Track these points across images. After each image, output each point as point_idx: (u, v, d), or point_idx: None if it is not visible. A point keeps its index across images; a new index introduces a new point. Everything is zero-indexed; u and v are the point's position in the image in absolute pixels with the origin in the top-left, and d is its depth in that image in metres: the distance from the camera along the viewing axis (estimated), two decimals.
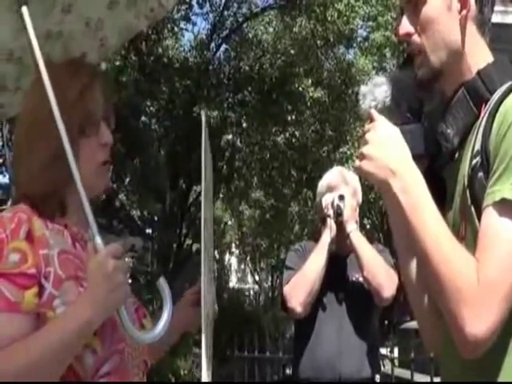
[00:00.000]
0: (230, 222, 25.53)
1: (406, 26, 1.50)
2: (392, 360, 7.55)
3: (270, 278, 29.61)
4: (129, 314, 1.60)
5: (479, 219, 1.34)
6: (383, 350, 8.55)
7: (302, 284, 3.18)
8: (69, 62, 1.79)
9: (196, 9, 14.67)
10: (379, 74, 14.63)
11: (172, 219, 13.92)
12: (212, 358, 1.85)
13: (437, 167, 1.53)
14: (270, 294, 26.79)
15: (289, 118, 14.17)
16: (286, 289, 3.25)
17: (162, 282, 1.65)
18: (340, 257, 3.33)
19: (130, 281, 1.66)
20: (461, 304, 1.29)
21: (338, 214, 3.25)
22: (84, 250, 1.64)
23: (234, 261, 32.90)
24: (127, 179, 14.32)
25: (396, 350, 9.72)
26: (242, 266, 33.56)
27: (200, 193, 1.62)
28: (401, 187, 1.41)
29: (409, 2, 1.50)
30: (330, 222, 3.27)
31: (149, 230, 15.81)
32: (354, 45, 15.96)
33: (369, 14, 15.88)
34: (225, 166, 14.04)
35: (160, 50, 13.69)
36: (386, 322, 15.21)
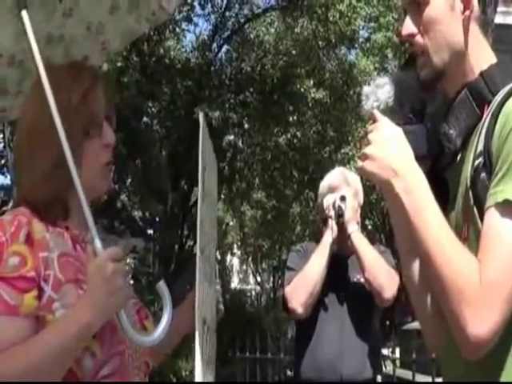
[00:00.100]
0: (231, 223, 25.53)
1: (408, 26, 1.51)
2: (393, 361, 7.52)
3: (271, 279, 29.59)
4: (129, 317, 1.60)
5: (482, 220, 1.34)
6: (385, 351, 8.53)
7: (303, 285, 3.18)
8: (70, 65, 1.79)
9: (198, 10, 14.69)
10: (381, 74, 14.63)
11: (173, 220, 13.92)
12: (215, 360, 1.85)
13: (439, 168, 1.53)
14: (272, 295, 26.77)
15: (290, 119, 14.16)
16: (287, 290, 3.25)
17: (162, 285, 1.64)
18: (341, 258, 3.33)
19: (131, 282, 1.66)
20: (463, 305, 1.29)
21: (340, 214, 3.25)
22: (84, 252, 1.64)
23: (235, 262, 32.89)
24: (129, 180, 14.35)
25: (397, 351, 9.69)
26: (244, 267, 33.56)
27: (204, 191, 1.61)
28: (403, 188, 1.41)
29: (412, 3, 1.50)
30: (332, 223, 3.27)
31: (150, 231, 15.83)
32: (356, 46, 15.93)
33: (370, 15, 15.89)
34: (226, 167, 14.04)
35: (162, 50, 13.69)
36: (388, 322, 15.19)
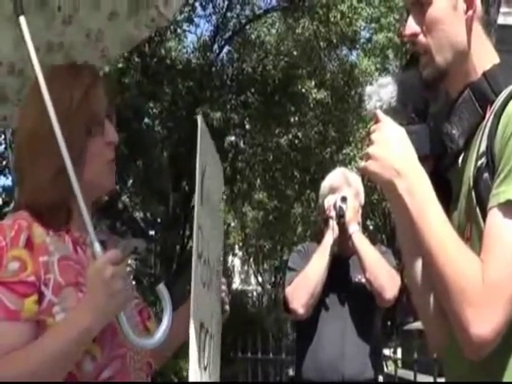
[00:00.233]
0: (232, 224, 25.50)
1: (411, 26, 1.51)
2: (395, 361, 7.54)
3: (273, 280, 29.58)
4: (131, 318, 1.60)
5: (484, 220, 1.34)
6: (386, 351, 8.55)
7: (304, 286, 3.18)
8: (70, 65, 1.79)
9: (199, 11, 14.69)
10: (382, 75, 14.63)
11: (175, 221, 13.91)
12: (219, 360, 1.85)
13: (442, 168, 1.53)
14: (273, 296, 26.75)
15: (292, 120, 14.15)
16: (288, 290, 3.25)
17: (162, 288, 1.64)
18: (342, 258, 3.33)
19: (134, 282, 1.66)
20: (465, 305, 1.29)
21: (340, 215, 3.25)
22: (85, 255, 1.64)
23: (237, 262, 32.86)
24: (130, 181, 14.33)
25: (399, 351, 9.70)
26: (246, 268, 33.54)
27: (203, 194, 1.61)
28: (406, 188, 1.41)
29: (415, 3, 1.50)
30: (333, 224, 3.27)
31: (152, 232, 15.81)
32: (357, 46, 15.94)
33: (372, 16, 15.90)
34: (228, 168, 14.03)
35: (163, 51, 13.69)
36: (389, 322, 15.19)
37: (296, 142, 14.39)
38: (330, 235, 3.26)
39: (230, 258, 30.04)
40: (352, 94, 14.21)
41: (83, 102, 1.64)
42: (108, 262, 1.49)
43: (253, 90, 14.10)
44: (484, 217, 1.34)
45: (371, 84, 1.54)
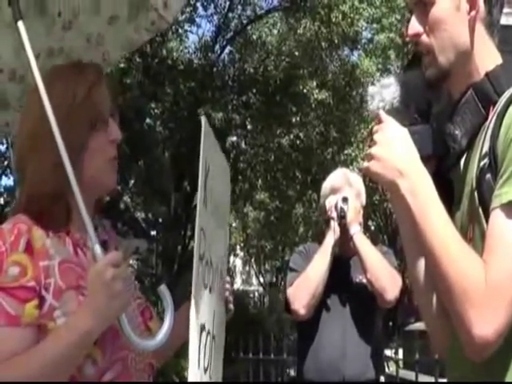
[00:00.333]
0: (234, 224, 25.50)
1: (414, 26, 1.50)
2: (396, 361, 7.54)
3: (274, 280, 29.57)
4: (132, 319, 1.60)
5: (487, 221, 1.34)
6: (388, 352, 8.54)
7: (305, 286, 3.18)
8: (74, 64, 1.80)
9: (200, 11, 14.69)
10: (384, 75, 14.63)
11: (176, 221, 13.91)
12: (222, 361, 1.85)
13: (445, 168, 1.53)
14: (275, 296, 26.76)
15: (293, 120, 14.15)
16: (290, 291, 3.25)
17: (164, 289, 1.64)
18: (343, 259, 3.33)
19: (136, 282, 1.66)
20: (468, 305, 1.29)
21: (342, 216, 3.25)
22: (86, 257, 1.64)
23: (238, 263, 32.87)
24: (131, 181, 14.33)
25: (400, 352, 9.71)
26: (247, 268, 33.55)
27: (206, 195, 1.60)
28: (409, 188, 1.41)
29: (418, 3, 1.50)
30: (334, 225, 3.26)
31: (153, 232, 15.80)
32: (359, 47, 15.95)
33: (373, 16, 15.89)
34: (229, 168, 14.02)
35: (164, 51, 13.68)
36: (391, 323, 15.20)
37: (297, 142, 14.38)
38: (331, 236, 3.26)
39: (232, 258, 30.04)
40: (353, 95, 14.22)
41: (87, 99, 1.64)
42: (108, 264, 1.49)
43: (254, 91, 14.09)
44: (486, 217, 1.34)
45: (374, 84, 1.54)
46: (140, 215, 15.87)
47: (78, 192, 1.58)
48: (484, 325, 1.27)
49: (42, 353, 1.45)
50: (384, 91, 1.52)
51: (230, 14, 14.62)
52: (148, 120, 14.06)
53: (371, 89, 1.53)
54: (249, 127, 14.84)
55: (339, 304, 3.29)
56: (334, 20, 13.24)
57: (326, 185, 3.45)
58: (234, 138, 14.78)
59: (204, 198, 1.57)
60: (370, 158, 1.46)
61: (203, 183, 1.55)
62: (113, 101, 1.72)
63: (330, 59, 14.41)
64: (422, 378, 7.18)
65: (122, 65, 12.30)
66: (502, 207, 1.30)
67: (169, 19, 2.32)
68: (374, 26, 17.23)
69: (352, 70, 14.45)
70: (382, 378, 3.44)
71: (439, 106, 1.56)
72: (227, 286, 1.93)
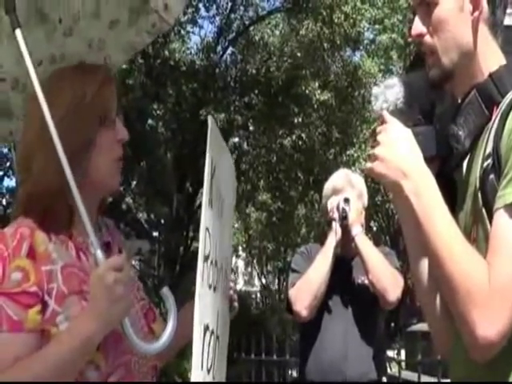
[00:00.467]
0: (236, 225, 25.52)
1: (418, 26, 1.50)
2: (399, 362, 7.52)
3: (276, 281, 29.58)
4: (135, 322, 1.59)
5: (491, 221, 1.34)
6: (390, 353, 8.52)
7: (307, 287, 3.18)
8: (82, 64, 1.80)
9: (203, 12, 14.72)
10: (386, 76, 14.64)
11: (179, 222, 13.92)
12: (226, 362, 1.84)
13: (448, 169, 1.53)
14: (277, 297, 26.76)
15: (295, 121, 14.16)
16: (292, 292, 3.25)
17: (166, 292, 1.63)
18: (345, 259, 3.33)
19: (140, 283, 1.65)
20: (471, 306, 1.29)
21: (343, 217, 3.24)
22: (88, 261, 1.63)
23: (240, 263, 32.88)
24: (134, 182, 14.35)
25: (403, 353, 9.69)
26: (249, 269, 33.55)
27: (211, 195, 1.60)
28: (412, 189, 1.41)
29: (421, 3, 1.50)
30: (336, 225, 3.26)
31: (155, 233, 15.81)
32: (361, 47, 15.99)
33: (375, 17, 15.93)
34: None
35: (167, 53, 13.70)
36: (393, 324, 15.19)
37: (299, 143, 14.39)
38: (333, 237, 3.25)
39: (234, 259, 30.06)
40: (355, 95, 14.24)
41: (97, 96, 1.64)
42: (110, 268, 1.48)
43: (256, 92, 14.10)
44: (490, 218, 1.34)
45: (377, 85, 1.54)
46: (142, 216, 15.88)
47: (79, 197, 1.57)
48: (487, 326, 1.27)
49: (44, 358, 1.44)
50: (388, 92, 1.52)
51: (232, 15, 14.65)
52: (150, 121, 14.08)
53: (375, 89, 1.53)
54: (251, 128, 14.86)
55: (341, 305, 3.29)
56: (336, 21, 13.26)
57: (328, 186, 3.45)
58: (236, 139, 14.80)
59: (209, 197, 1.56)
60: (374, 158, 1.46)
61: (209, 183, 1.54)
62: (117, 102, 1.72)
63: (332, 60, 14.42)
64: (425, 379, 7.16)
65: (124, 66, 12.32)
66: (506, 208, 1.30)
67: (170, 21, 2.31)
68: (376, 26, 17.26)
69: (354, 70, 14.47)
70: (384, 379, 3.43)
71: (443, 106, 1.56)
72: (231, 284, 1.93)
